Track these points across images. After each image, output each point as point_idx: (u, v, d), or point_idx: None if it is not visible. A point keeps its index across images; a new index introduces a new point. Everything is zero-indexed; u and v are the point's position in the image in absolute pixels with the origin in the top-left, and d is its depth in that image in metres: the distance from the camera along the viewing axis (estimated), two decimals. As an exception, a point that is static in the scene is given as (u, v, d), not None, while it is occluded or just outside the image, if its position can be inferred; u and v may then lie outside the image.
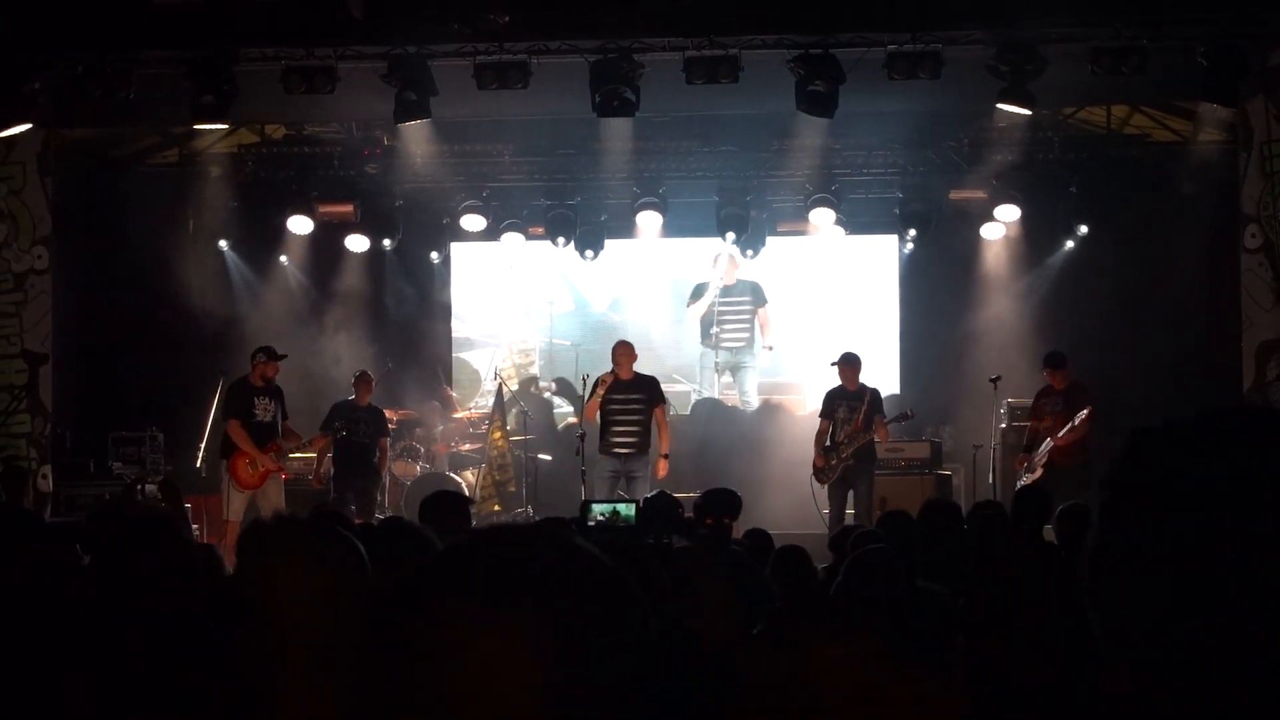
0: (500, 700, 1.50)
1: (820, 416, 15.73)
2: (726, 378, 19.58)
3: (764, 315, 19.42)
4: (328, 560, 2.65)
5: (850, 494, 15.33)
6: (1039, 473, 15.07)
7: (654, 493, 12.23)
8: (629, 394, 15.28)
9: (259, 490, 15.02)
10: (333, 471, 15.99)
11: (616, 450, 15.16)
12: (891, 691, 3.08)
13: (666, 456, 15.28)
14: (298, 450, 16.19)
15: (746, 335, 19.49)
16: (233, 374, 15.91)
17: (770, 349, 19.42)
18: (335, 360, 18.88)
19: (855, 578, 4.93)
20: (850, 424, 15.39)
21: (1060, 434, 15.02)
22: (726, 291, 19.44)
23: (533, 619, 1.52)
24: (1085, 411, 14.89)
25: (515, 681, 1.50)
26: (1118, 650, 1.59)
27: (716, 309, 19.41)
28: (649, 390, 15.53)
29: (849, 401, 15.50)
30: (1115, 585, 1.59)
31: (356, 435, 16.13)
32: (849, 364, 15.71)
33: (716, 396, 19.58)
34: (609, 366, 15.64)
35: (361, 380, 16.53)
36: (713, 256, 19.48)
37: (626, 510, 11.12)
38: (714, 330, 19.26)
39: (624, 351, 15.59)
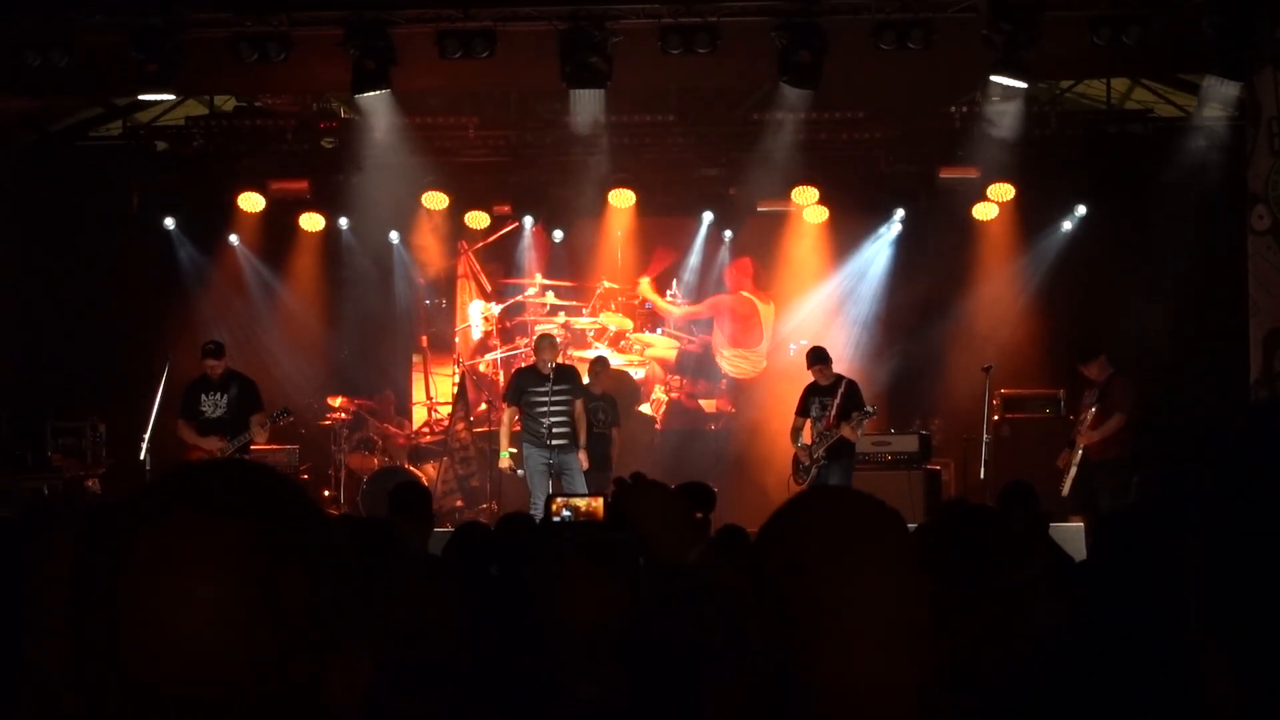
0: (191, 629, 1.53)
1: (796, 414, 15.79)
2: None
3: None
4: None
5: None
6: (1073, 472, 15.07)
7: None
8: (557, 385, 15.43)
9: None
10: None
11: (552, 443, 15.31)
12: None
13: (583, 448, 15.59)
14: (254, 443, 15.71)
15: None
16: (177, 361, 15.75)
17: None
18: (288, 346, 18.80)
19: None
20: (822, 421, 15.42)
21: (1085, 432, 15.05)
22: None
23: (227, 558, 1.56)
24: (1112, 421, 14.92)
25: (214, 622, 1.54)
26: (1221, 644, 1.56)
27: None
28: (574, 382, 15.84)
29: (821, 397, 15.53)
30: (1231, 573, 1.55)
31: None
32: (813, 362, 15.74)
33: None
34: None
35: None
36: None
37: (593, 505, 11.11)
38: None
39: (550, 345, 15.79)
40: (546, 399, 15.36)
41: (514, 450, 15.82)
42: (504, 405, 16.09)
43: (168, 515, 1.59)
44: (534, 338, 16.62)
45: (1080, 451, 15.02)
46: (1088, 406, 15.23)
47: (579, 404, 15.68)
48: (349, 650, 1.63)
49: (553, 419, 15.31)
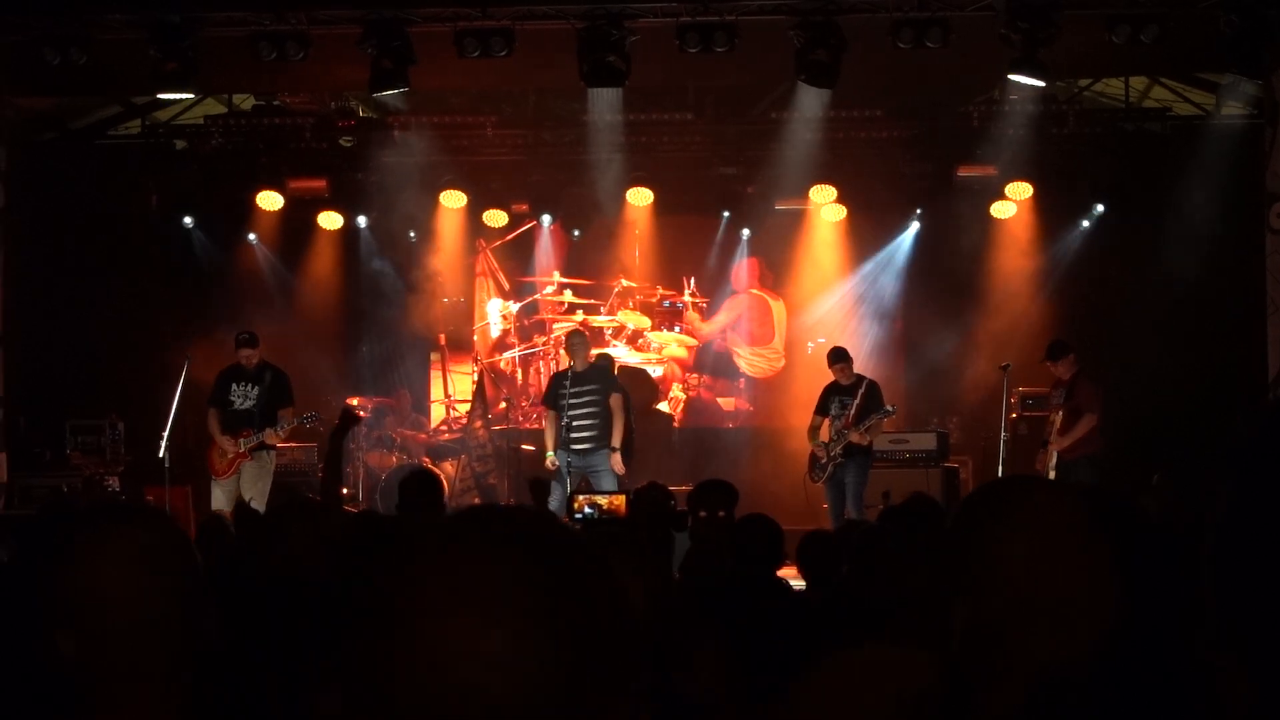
0: (482, 672, 1.50)
1: (815, 412, 15.78)
2: None
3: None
4: (138, 552, 2.65)
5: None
6: (1052, 475, 15.04)
7: (645, 484, 12.21)
8: (582, 385, 15.27)
9: (237, 478, 14.79)
10: None
11: (573, 446, 15.15)
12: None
13: (616, 450, 15.19)
14: (279, 439, 15.60)
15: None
16: (196, 359, 15.79)
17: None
18: (306, 344, 18.83)
19: (861, 576, 4.94)
20: (841, 419, 15.42)
21: (1055, 437, 15.08)
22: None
23: (518, 603, 1.52)
24: (1083, 422, 14.93)
25: (503, 669, 1.50)
26: (1235, 645, 1.56)
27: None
28: (602, 380, 15.57)
29: (841, 396, 15.54)
30: (1245, 574, 1.54)
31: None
32: (834, 361, 15.72)
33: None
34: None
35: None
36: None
37: (615, 502, 11.13)
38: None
39: (579, 342, 15.66)
40: (568, 399, 15.20)
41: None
42: (545, 409, 15.89)
43: (459, 558, 1.58)
44: (564, 336, 16.29)
45: (1055, 454, 15.07)
46: (1056, 407, 15.27)
47: (613, 399, 15.30)
48: (631, 694, 1.61)
49: (573, 420, 15.16)
